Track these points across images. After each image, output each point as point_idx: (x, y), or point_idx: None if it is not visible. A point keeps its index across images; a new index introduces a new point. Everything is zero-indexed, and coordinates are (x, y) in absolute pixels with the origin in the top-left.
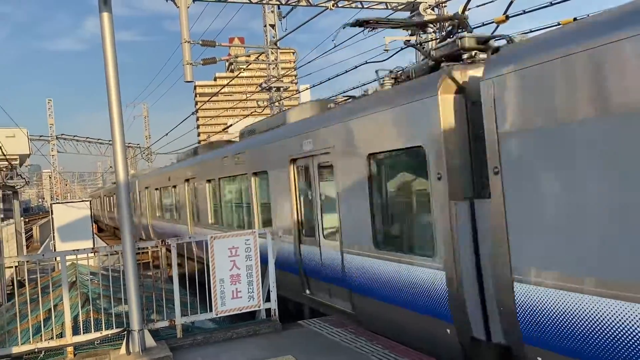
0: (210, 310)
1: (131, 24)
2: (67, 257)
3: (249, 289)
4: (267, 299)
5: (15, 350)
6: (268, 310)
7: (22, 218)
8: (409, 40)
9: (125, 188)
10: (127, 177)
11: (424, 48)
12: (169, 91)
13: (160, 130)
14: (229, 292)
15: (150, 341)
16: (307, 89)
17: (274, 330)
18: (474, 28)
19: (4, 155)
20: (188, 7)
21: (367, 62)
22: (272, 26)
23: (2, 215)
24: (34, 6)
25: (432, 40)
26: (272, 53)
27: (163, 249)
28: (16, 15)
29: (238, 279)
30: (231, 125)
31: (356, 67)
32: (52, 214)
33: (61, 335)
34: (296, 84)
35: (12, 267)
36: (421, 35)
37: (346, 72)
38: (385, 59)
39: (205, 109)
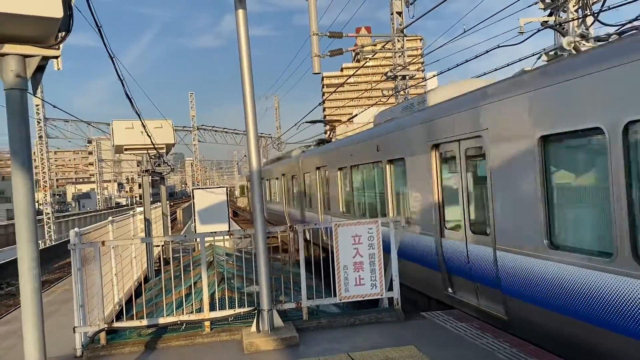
0: (334, 295)
1: (263, 19)
2: (206, 239)
3: (372, 277)
4: (390, 288)
5: (162, 321)
6: (390, 299)
7: (167, 202)
8: (547, 21)
9: (258, 176)
10: (259, 165)
11: (564, 29)
12: (298, 83)
13: (289, 121)
14: (352, 279)
15: (278, 321)
16: (434, 76)
17: (396, 319)
18: None
19: (153, 144)
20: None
21: (499, 46)
22: (399, 14)
23: (151, 199)
24: (179, 7)
25: (572, 20)
26: (398, 41)
27: (292, 233)
28: (163, 16)
29: (361, 266)
30: (356, 115)
31: (487, 51)
32: (193, 198)
33: (200, 310)
34: (423, 71)
35: (159, 245)
36: (560, 15)
37: (476, 57)
38: (519, 42)
39: (332, 100)
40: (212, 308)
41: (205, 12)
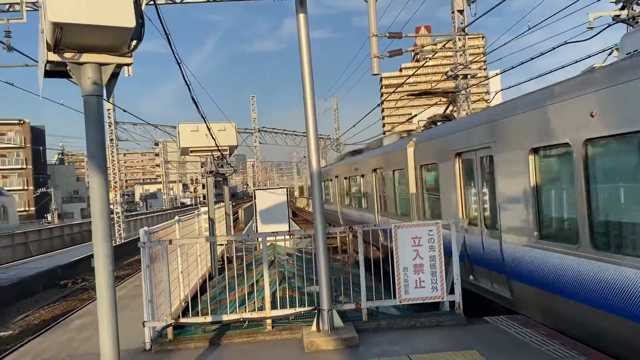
0: (394, 297)
1: (323, 22)
2: (267, 239)
3: (432, 280)
4: (451, 292)
5: (225, 318)
6: (451, 303)
7: (230, 202)
8: (619, 15)
9: (318, 177)
10: (319, 166)
11: (637, 23)
12: (357, 84)
13: (348, 122)
14: (412, 281)
15: (338, 321)
16: (496, 74)
17: (458, 323)
18: None
19: (217, 146)
20: (376, 0)
21: (566, 43)
22: (460, 12)
23: (214, 199)
24: (240, 13)
25: None
26: (459, 40)
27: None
28: (226, 22)
29: (421, 268)
30: (415, 115)
31: (554, 48)
32: (254, 198)
33: (261, 308)
34: (485, 70)
35: (222, 244)
36: (634, 8)
37: (541, 54)
38: (588, 38)
39: (390, 100)
40: (273, 306)
41: (266, 17)
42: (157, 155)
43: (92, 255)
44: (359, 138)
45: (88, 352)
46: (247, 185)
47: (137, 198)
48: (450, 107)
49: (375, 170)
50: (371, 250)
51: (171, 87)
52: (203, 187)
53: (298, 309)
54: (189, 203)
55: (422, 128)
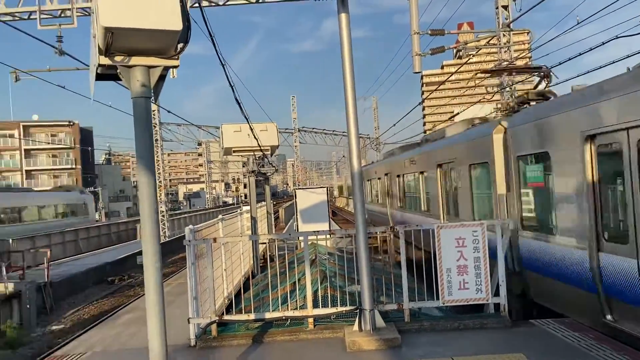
0: (437, 298)
1: (363, 21)
2: (309, 237)
3: (477, 281)
4: (496, 294)
5: (268, 315)
6: (496, 305)
7: (271, 201)
8: None
9: (359, 177)
10: (360, 166)
11: None
12: (397, 82)
13: (387, 121)
14: (455, 283)
15: (380, 321)
16: None
17: (503, 326)
18: None
19: (259, 146)
20: None
21: (617, 37)
22: (505, 7)
23: (256, 198)
24: (281, 13)
25: None
26: (503, 36)
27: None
28: (267, 23)
29: (465, 270)
30: (457, 113)
31: (603, 43)
32: (295, 198)
33: (303, 306)
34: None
35: (264, 243)
36: None
37: (590, 49)
38: None
39: (432, 98)
40: (315, 305)
41: (308, 17)
42: (200, 155)
43: (137, 253)
44: (398, 137)
45: (136, 347)
46: (287, 184)
47: (180, 197)
48: (543, 84)
49: (440, 165)
50: (413, 251)
51: (213, 87)
52: (245, 187)
53: (340, 308)
54: (231, 202)
55: (504, 112)
